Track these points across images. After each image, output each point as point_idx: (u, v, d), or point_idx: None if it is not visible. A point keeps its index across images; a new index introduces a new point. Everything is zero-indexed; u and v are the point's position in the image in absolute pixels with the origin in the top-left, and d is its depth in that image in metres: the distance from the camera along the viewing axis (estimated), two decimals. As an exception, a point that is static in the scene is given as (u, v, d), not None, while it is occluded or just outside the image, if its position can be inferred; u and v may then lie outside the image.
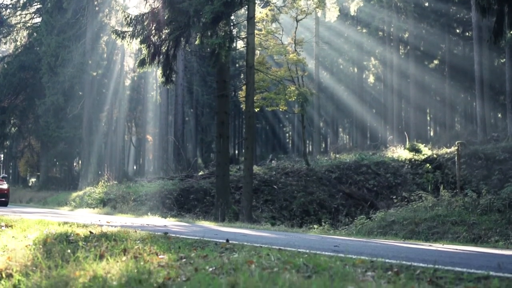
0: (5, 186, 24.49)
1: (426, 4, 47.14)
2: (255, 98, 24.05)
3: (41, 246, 6.00)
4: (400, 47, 47.69)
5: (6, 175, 27.30)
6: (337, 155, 32.84)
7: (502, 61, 43.24)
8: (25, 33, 51.28)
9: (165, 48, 21.66)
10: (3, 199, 24.21)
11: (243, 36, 24.11)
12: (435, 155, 29.17)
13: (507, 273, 4.60)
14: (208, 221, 17.59)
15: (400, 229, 14.84)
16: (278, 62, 30.76)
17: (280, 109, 28.94)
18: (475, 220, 14.03)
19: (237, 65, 51.64)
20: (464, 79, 45.30)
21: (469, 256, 7.44)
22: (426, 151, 30.32)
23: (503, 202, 14.92)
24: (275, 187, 25.59)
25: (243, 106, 27.04)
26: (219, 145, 22.27)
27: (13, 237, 7.00)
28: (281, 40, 28.82)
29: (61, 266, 4.87)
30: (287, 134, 71.85)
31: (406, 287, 3.65)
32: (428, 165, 28.33)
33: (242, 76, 50.96)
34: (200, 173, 30.14)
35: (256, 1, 24.37)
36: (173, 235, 7.73)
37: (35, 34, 49.46)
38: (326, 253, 5.82)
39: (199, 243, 6.65)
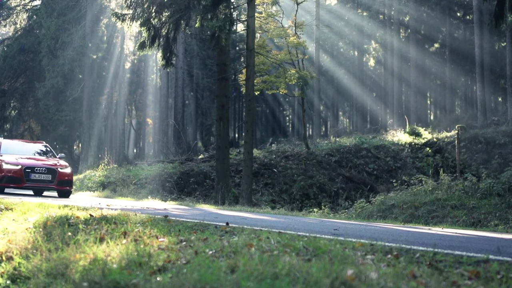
0: (68, 170, 17.80)
1: (427, -13, 46.94)
2: (255, 81, 23.99)
3: (41, 229, 6.01)
4: (401, 30, 47.53)
5: (64, 154, 21.57)
6: (337, 139, 32.83)
7: (503, 44, 43.11)
8: (24, 15, 51.07)
9: (165, 31, 21.59)
10: (67, 188, 17.79)
11: (243, 19, 24.05)
12: (435, 139, 29.16)
13: (506, 256, 4.61)
14: (208, 205, 17.62)
15: (399, 213, 14.87)
16: (279, 45, 30.64)
17: (280, 93, 28.87)
18: (474, 204, 14.05)
19: (237, 48, 51.50)
20: (465, 63, 45.16)
21: (469, 239, 7.46)
22: (426, 135, 30.31)
23: (502, 186, 14.94)
24: (275, 170, 25.60)
25: (243, 89, 26.98)
26: (219, 128, 22.26)
27: (13, 220, 7.02)
28: (281, 23, 28.71)
29: (61, 249, 4.88)
30: (287, 118, 71.80)
31: (406, 270, 3.66)
32: (428, 149, 28.33)
33: (242, 59, 50.84)
34: (200, 157, 30.15)
35: (256, -16, 24.24)
36: (173, 218, 7.74)
37: (34, 16, 49.27)
38: (326, 236, 5.83)
39: (199, 226, 6.66)
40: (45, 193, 20.48)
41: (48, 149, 19.97)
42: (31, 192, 20.38)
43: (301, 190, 24.43)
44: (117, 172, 27.88)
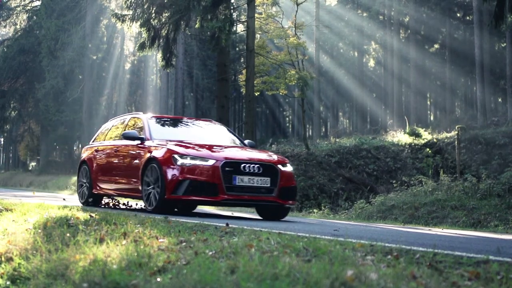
0: (290, 168, 10.36)
1: (427, -12, 46.96)
2: (255, 82, 23.99)
3: (41, 230, 6.02)
4: (401, 31, 47.53)
5: (253, 142, 12.36)
6: (337, 139, 32.82)
7: (502, 45, 43.11)
8: (24, 16, 51.14)
9: (165, 32, 21.60)
10: (289, 201, 10.17)
11: (243, 20, 24.06)
12: (435, 140, 29.15)
13: (506, 257, 4.62)
14: (208, 205, 17.61)
15: (399, 214, 14.87)
16: (279, 46, 30.62)
17: (280, 93, 28.84)
18: (474, 205, 14.05)
19: (237, 48, 51.52)
20: (465, 64, 45.18)
21: (469, 240, 7.46)
22: (426, 135, 30.30)
23: (502, 187, 14.94)
24: (275, 171, 25.53)
25: (243, 90, 26.99)
26: (219, 129, 22.23)
27: (13, 220, 7.02)
28: (281, 24, 28.69)
29: (61, 249, 4.89)
30: (287, 118, 71.77)
31: (406, 271, 3.66)
32: (428, 149, 28.31)
33: (242, 60, 50.85)
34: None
35: (256, -15, 24.26)
36: (173, 219, 7.75)
37: (34, 17, 49.34)
38: (326, 237, 5.84)
39: (199, 226, 6.67)
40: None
41: (229, 131, 12.54)
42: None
43: (301, 190, 24.41)
44: (117, 172, 27.88)
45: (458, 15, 48.12)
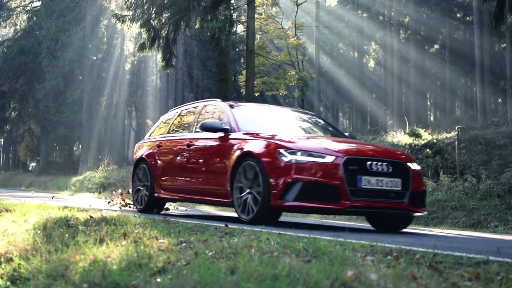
0: (417, 166, 8.25)
1: (427, -12, 46.97)
2: (255, 82, 24.00)
3: (41, 231, 6.01)
4: (401, 31, 47.51)
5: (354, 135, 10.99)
6: (337, 140, 32.73)
7: (502, 45, 43.10)
8: (24, 16, 51.16)
9: (165, 32, 21.60)
10: (421, 207, 8.19)
11: (243, 20, 24.07)
12: (435, 140, 29.10)
13: (506, 257, 4.62)
14: (208, 206, 17.62)
15: (399, 214, 14.84)
16: (278, 46, 30.66)
17: (280, 94, 28.88)
18: (474, 205, 14.04)
19: (237, 49, 51.50)
20: (465, 64, 45.16)
21: (469, 240, 7.46)
22: (426, 136, 30.24)
23: (502, 187, 14.93)
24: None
25: (243, 90, 27.00)
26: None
27: (13, 221, 7.02)
28: (281, 24, 28.72)
29: (61, 250, 4.89)
30: (287, 119, 71.66)
31: (406, 271, 3.66)
32: (428, 150, 28.27)
33: (242, 60, 50.82)
34: (200, 158, 30.11)
35: (256, -15, 24.27)
36: (173, 219, 7.75)
37: (34, 17, 49.37)
38: (326, 237, 5.84)
39: (199, 227, 6.67)
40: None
41: (323, 119, 10.87)
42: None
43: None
44: (117, 173, 27.91)
45: (458, 15, 48.10)
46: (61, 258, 4.46)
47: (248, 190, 7.82)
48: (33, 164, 62.16)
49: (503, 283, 3.56)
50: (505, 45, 38.93)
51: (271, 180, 7.44)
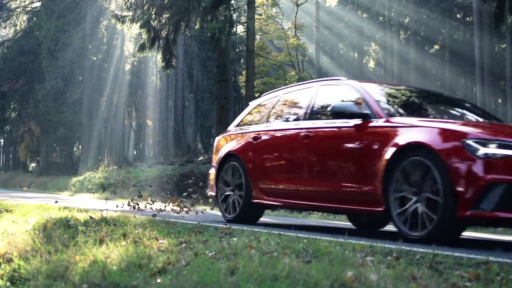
0: None
1: (427, -11, 46.98)
2: (255, 83, 24.04)
3: (41, 231, 6.01)
4: (401, 32, 47.53)
5: None
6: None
7: (502, 46, 43.09)
8: (24, 17, 51.13)
9: (165, 33, 21.61)
10: None
11: (243, 21, 24.08)
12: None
13: (506, 258, 4.61)
14: (208, 206, 17.62)
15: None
16: (279, 47, 30.70)
17: (280, 94, 28.86)
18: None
19: (237, 49, 51.53)
20: (465, 65, 45.16)
21: (469, 241, 7.46)
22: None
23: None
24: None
25: (243, 91, 27.02)
26: (219, 130, 22.25)
27: (13, 222, 7.01)
28: (281, 25, 28.76)
29: (61, 251, 4.88)
30: (287, 119, 71.72)
31: (406, 272, 3.66)
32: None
33: (242, 61, 50.84)
34: (200, 158, 30.12)
35: (256, -14, 24.29)
36: (172, 220, 7.75)
37: (34, 18, 49.30)
38: (326, 238, 5.83)
39: (198, 227, 6.66)
40: None
41: (471, 104, 8.27)
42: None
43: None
44: (117, 173, 27.87)
45: (458, 16, 48.11)
46: (61, 259, 4.46)
47: (415, 198, 5.84)
48: (33, 164, 62.13)
49: (503, 283, 3.56)
50: (505, 45, 38.91)
51: (458, 182, 5.47)
